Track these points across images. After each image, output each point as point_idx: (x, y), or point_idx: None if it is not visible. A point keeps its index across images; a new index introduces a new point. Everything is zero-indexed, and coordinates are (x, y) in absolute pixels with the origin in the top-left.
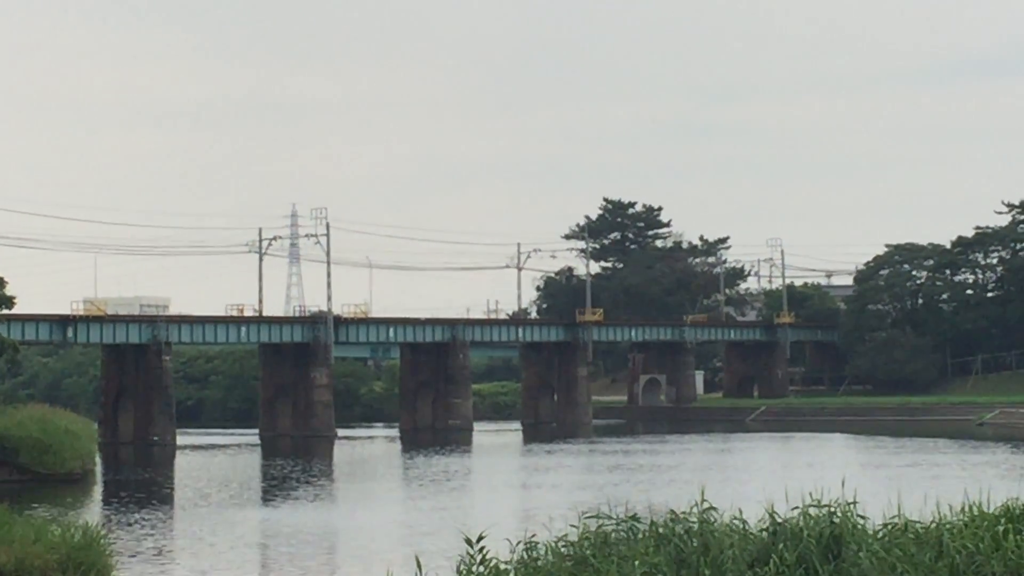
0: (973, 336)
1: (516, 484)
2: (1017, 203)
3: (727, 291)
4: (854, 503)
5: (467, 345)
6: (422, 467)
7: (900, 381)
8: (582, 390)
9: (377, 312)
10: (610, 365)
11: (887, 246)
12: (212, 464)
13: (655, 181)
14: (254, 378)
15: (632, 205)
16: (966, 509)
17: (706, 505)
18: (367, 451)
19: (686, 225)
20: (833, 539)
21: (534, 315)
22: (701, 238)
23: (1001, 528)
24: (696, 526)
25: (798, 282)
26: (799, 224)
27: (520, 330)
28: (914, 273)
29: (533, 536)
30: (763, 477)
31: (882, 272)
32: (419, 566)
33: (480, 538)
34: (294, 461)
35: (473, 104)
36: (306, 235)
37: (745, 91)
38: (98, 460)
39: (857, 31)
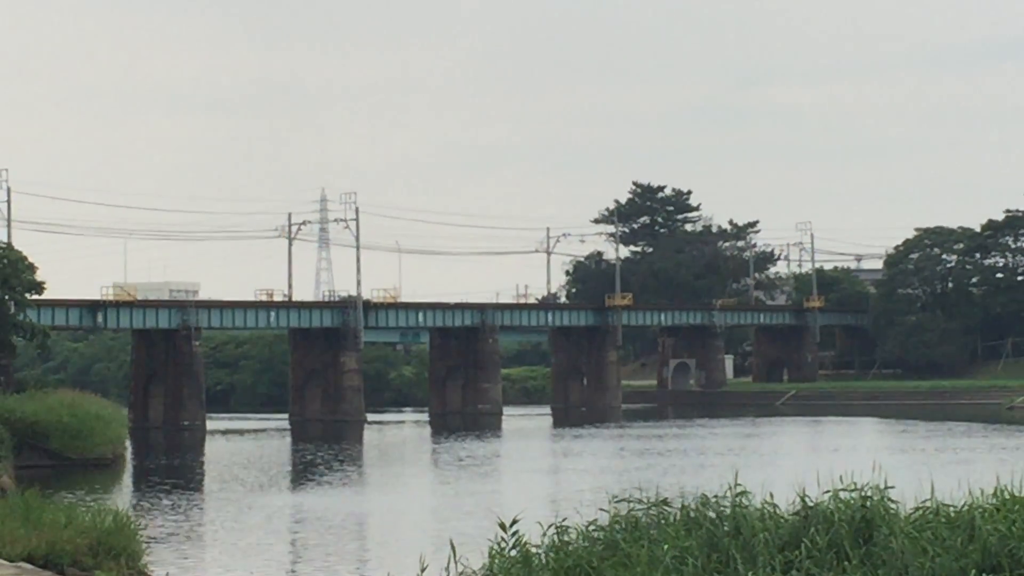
0: (1003, 320)
1: (546, 469)
2: None
3: (757, 275)
4: (888, 487)
5: (496, 329)
6: (451, 452)
7: (930, 365)
8: (612, 374)
9: (406, 297)
10: (640, 349)
11: (917, 230)
12: (242, 449)
13: (685, 165)
14: (284, 363)
15: (661, 189)
16: (997, 493)
17: (739, 489)
18: (397, 436)
19: (716, 209)
20: (865, 523)
21: (563, 299)
22: (731, 222)
23: None
24: (728, 510)
25: (828, 266)
26: (829, 208)
27: (549, 314)
28: (944, 257)
29: (564, 520)
30: (793, 461)
31: (912, 256)
32: (453, 550)
33: (514, 522)
34: (324, 446)
35: (502, 88)
36: (335, 220)
37: (775, 75)
38: (128, 445)
39: (887, 14)
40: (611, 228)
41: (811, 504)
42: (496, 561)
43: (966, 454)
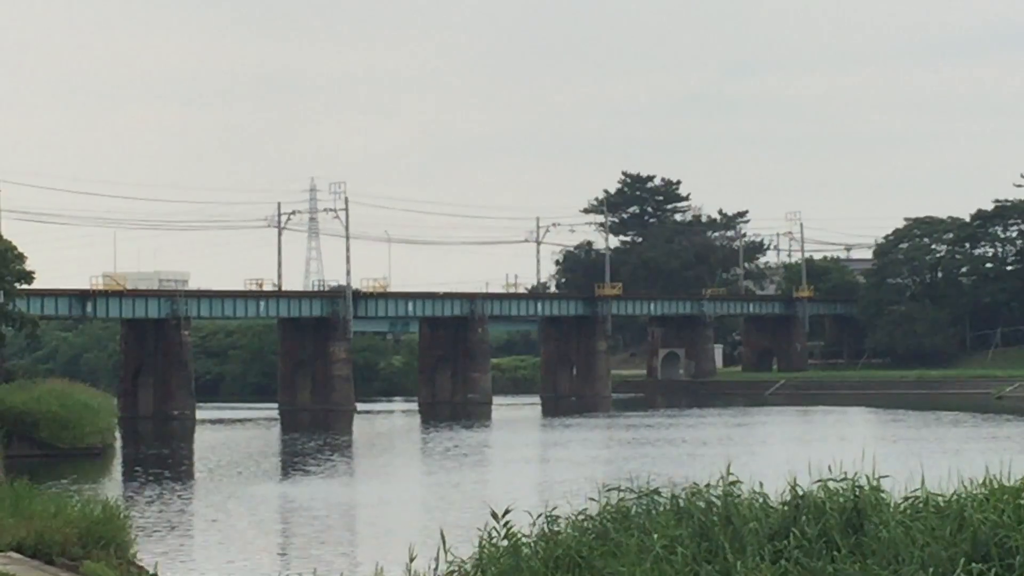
0: (992, 309)
1: (535, 458)
2: None
3: (746, 265)
4: (882, 477)
5: (486, 319)
6: (441, 441)
7: (919, 354)
8: (601, 364)
9: (396, 286)
10: (629, 339)
11: (906, 219)
12: (231, 438)
13: (674, 155)
14: (273, 352)
15: (651, 179)
16: (987, 482)
17: (732, 478)
18: (386, 425)
19: (705, 199)
20: (855, 513)
21: (553, 289)
22: (720, 212)
23: (1023, 501)
24: (719, 500)
25: (817, 256)
26: (818, 197)
27: (539, 304)
28: (933, 247)
29: (553, 510)
30: (783, 451)
31: (901, 246)
32: (443, 540)
33: (506, 512)
34: (313, 435)
35: (492, 78)
36: (325, 209)
37: (764, 64)
38: (118, 435)
39: (876, 4)
40: (601, 218)
41: (802, 494)
42: (486, 551)
43: (955, 444)
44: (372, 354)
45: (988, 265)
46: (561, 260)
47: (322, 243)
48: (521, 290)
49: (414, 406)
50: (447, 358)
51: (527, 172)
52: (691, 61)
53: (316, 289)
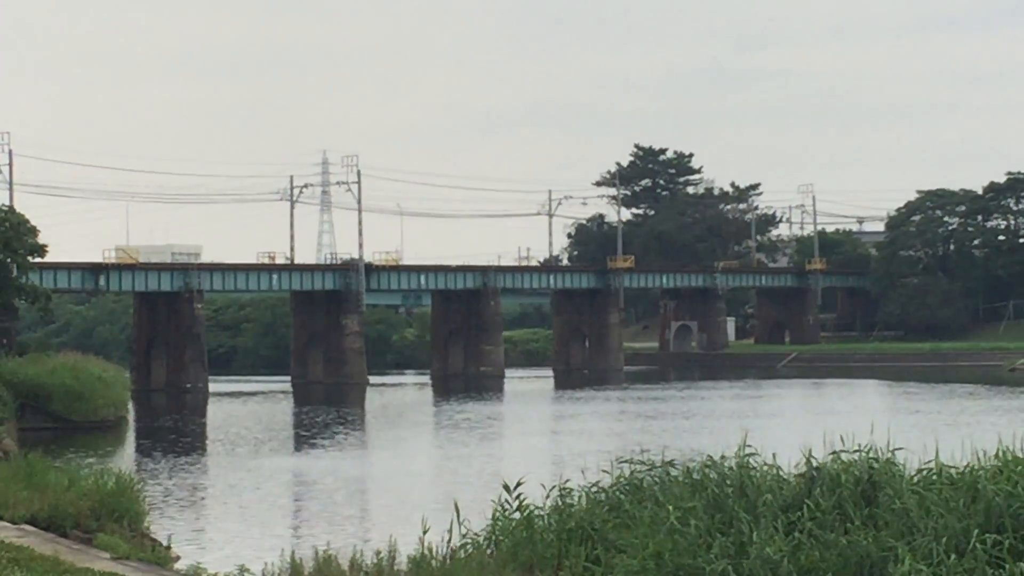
0: (1005, 282)
1: (547, 431)
2: None
3: (758, 237)
4: (896, 449)
5: (498, 292)
6: (453, 414)
7: (931, 327)
8: (613, 337)
9: (408, 259)
10: (641, 312)
11: (919, 192)
12: (244, 411)
13: (686, 127)
14: (286, 325)
15: (663, 152)
16: (1000, 454)
17: (749, 450)
18: (399, 398)
19: (717, 172)
20: (870, 484)
21: (565, 262)
22: (732, 184)
23: None
24: (734, 471)
25: (829, 228)
26: (831, 170)
27: (551, 277)
28: (946, 219)
29: (566, 482)
30: (796, 423)
31: (914, 218)
32: (457, 512)
33: (518, 484)
34: (326, 408)
35: (505, 51)
36: (337, 182)
37: (777, 37)
38: (130, 408)
39: None
40: (613, 191)
41: (816, 466)
42: (499, 524)
43: (968, 416)
44: (385, 327)
45: (1001, 238)
46: (573, 233)
47: (334, 216)
48: (533, 263)
49: (427, 379)
50: (459, 331)
51: (539, 145)
52: (704, 34)
53: (329, 262)
